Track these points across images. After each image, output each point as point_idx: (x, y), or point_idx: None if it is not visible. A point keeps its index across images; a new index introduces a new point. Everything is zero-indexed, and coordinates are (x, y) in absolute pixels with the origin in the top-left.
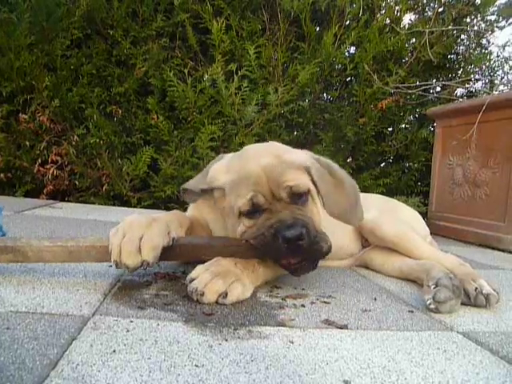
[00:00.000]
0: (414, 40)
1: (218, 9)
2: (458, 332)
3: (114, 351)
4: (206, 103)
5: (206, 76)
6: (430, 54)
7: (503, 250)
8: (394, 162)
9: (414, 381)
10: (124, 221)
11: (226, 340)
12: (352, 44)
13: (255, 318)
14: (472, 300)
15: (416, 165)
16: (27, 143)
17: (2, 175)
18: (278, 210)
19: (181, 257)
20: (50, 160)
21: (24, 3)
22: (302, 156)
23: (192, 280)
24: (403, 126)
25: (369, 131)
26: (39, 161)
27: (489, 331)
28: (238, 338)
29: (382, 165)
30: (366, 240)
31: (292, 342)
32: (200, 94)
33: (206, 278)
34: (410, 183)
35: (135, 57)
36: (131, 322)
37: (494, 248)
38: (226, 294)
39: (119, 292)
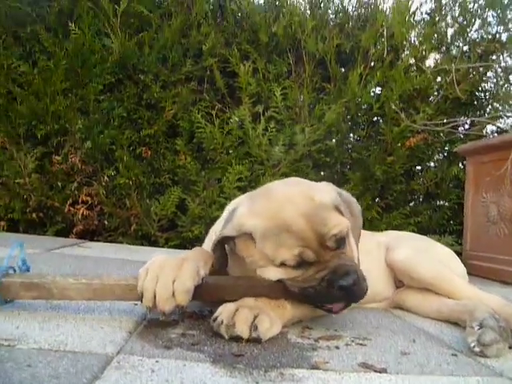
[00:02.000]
0: (439, 79)
1: (245, 53)
2: (508, 378)
3: None
4: (234, 144)
5: (233, 117)
6: (457, 90)
7: None
8: (424, 201)
9: None
10: (153, 262)
11: (257, 383)
12: (378, 84)
13: (287, 360)
14: None
15: (447, 203)
16: (59, 184)
17: (34, 215)
18: (327, 260)
19: (207, 296)
20: (80, 200)
21: (61, 51)
22: (330, 193)
23: (216, 318)
24: (432, 164)
25: (397, 169)
26: (70, 201)
27: None
28: (270, 380)
29: (411, 204)
30: (399, 281)
31: None
32: (227, 135)
33: (231, 310)
34: (441, 222)
35: (165, 100)
36: (157, 362)
37: None
38: (257, 328)
39: (145, 330)
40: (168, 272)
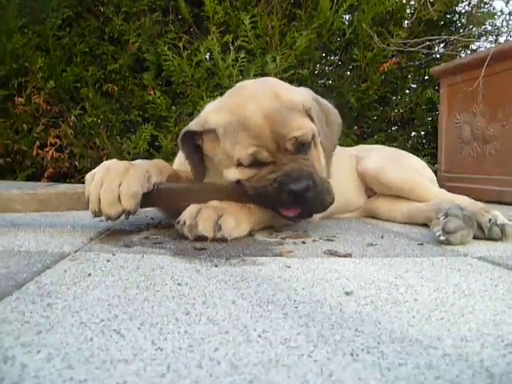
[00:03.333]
0: (413, 2)
1: None
2: (472, 257)
3: (90, 275)
4: (203, 76)
5: (202, 49)
6: (430, 10)
7: None
8: (399, 127)
9: (424, 292)
10: (100, 166)
11: (216, 266)
12: (350, 7)
13: (251, 251)
14: (486, 232)
15: (422, 127)
16: (25, 126)
17: (1, 160)
18: (283, 162)
19: (160, 203)
20: (48, 143)
21: None
22: (303, 94)
23: (179, 220)
24: (407, 90)
25: (372, 95)
26: (37, 144)
27: (506, 256)
28: (230, 265)
29: (388, 130)
30: (369, 189)
31: (289, 267)
32: (196, 68)
33: (194, 211)
34: (417, 146)
35: (128, 33)
36: (113, 255)
37: (509, 204)
38: (220, 227)
39: (106, 236)
40: (113, 176)
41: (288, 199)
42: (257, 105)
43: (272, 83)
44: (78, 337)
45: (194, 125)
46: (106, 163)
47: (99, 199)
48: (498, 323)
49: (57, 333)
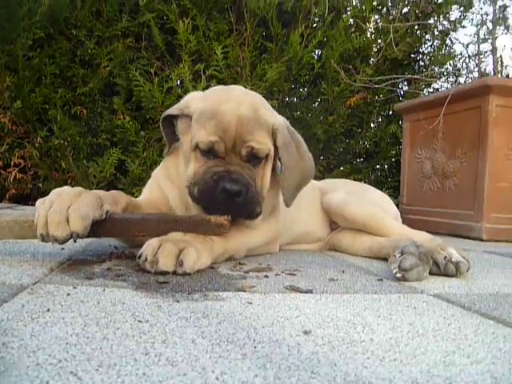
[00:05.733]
0: (379, 41)
1: (184, 9)
2: (428, 294)
3: (48, 310)
4: (174, 103)
5: (173, 76)
6: (395, 50)
7: (474, 239)
8: (364, 159)
9: (380, 331)
10: (52, 192)
11: (178, 301)
12: (319, 43)
13: (213, 286)
14: (442, 269)
15: (386, 160)
16: None
17: None
18: (231, 162)
19: (114, 233)
20: (12, 163)
21: None
22: (278, 120)
23: (140, 255)
24: (372, 124)
25: (338, 128)
26: (1, 164)
27: (460, 293)
28: (192, 300)
29: (353, 162)
30: (333, 223)
31: (250, 303)
32: (167, 94)
33: (154, 245)
34: (380, 179)
35: (100, 57)
36: (74, 288)
37: (465, 237)
38: (182, 262)
39: (67, 267)
40: (64, 198)
41: (220, 195)
42: (235, 106)
43: (257, 98)
44: (33, 380)
45: (174, 109)
46: (58, 189)
47: (46, 221)
48: (448, 364)
49: (11, 375)
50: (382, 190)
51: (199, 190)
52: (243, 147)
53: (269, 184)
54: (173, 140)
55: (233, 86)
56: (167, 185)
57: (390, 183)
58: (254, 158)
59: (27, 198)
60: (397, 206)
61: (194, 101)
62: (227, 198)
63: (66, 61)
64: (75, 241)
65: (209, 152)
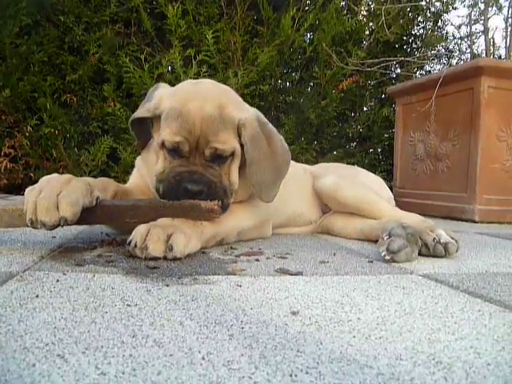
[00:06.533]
0: (371, 24)
1: None
2: (417, 275)
3: (37, 296)
4: None
5: (164, 62)
6: (387, 32)
7: (467, 220)
8: (357, 143)
9: (368, 311)
10: (41, 179)
11: (167, 285)
12: (311, 26)
13: (204, 270)
14: (431, 250)
15: (379, 144)
16: None
17: None
18: (195, 163)
19: (104, 219)
20: (2, 153)
21: None
22: (245, 114)
23: (130, 241)
24: (364, 107)
25: (331, 112)
26: None
27: (449, 273)
28: (182, 284)
29: (346, 146)
30: (325, 206)
31: (240, 286)
32: (158, 80)
33: (143, 231)
34: (373, 162)
35: (89, 43)
36: (64, 274)
37: (458, 219)
38: (172, 247)
39: (58, 254)
40: (54, 184)
41: (182, 195)
42: (200, 105)
43: (226, 93)
44: (19, 363)
45: (144, 111)
46: (47, 176)
47: (36, 206)
48: (433, 341)
49: None
50: (375, 174)
51: (164, 189)
52: (207, 147)
53: (237, 179)
54: (145, 138)
55: (203, 80)
56: (146, 173)
57: (383, 166)
58: (218, 158)
59: (19, 188)
60: (390, 189)
61: (163, 100)
62: (189, 197)
63: (54, 48)
64: (63, 226)
65: (174, 151)
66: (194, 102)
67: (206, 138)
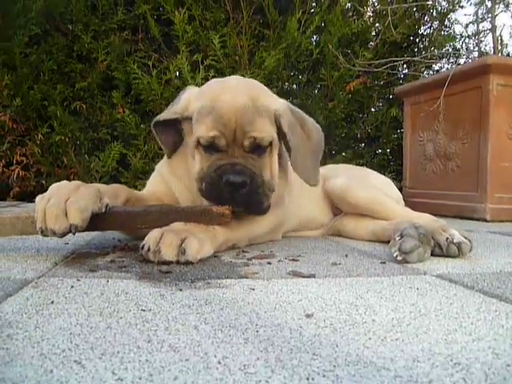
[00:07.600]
0: (377, 24)
1: None
2: (431, 275)
3: (52, 302)
4: (173, 94)
5: (171, 67)
6: (394, 33)
7: (478, 219)
8: (366, 144)
9: (383, 312)
10: (51, 187)
11: (181, 290)
12: (317, 28)
13: (216, 274)
14: (444, 250)
15: (388, 144)
16: None
17: None
18: (234, 155)
19: (115, 226)
20: (14, 161)
21: None
22: (279, 104)
23: (143, 245)
24: (372, 108)
25: (339, 114)
26: (3, 162)
27: (463, 273)
28: (195, 288)
29: (355, 147)
30: (336, 208)
31: (253, 289)
32: (166, 86)
33: (156, 236)
34: (382, 163)
35: (97, 51)
36: (78, 280)
37: (469, 218)
38: (184, 251)
39: (72, 260)
40: (62, 192)
41: (225, 188)
42: (232, 97)
43: (254, 85)
44: (37, 369)
45: (170, 113)
46: (57, 183)
47: (45, 214)
48: (450, 342)
49: (16, 366)
50: (384, 174)
51: (206, 185)
52: (245, 138)
53: (277, 171)
54: (169, 144)
55: (228, 76)
56: (172, 179)
57: (392, 167)
58: (258, 148)
59: (31, 196)
60: (400, 189)
61: (191, 101)
62: (232, 190)
63: (63, 56)
64: (74, 233)
65: (211, 147)
66: (224, 95)
67: (242, 129)
